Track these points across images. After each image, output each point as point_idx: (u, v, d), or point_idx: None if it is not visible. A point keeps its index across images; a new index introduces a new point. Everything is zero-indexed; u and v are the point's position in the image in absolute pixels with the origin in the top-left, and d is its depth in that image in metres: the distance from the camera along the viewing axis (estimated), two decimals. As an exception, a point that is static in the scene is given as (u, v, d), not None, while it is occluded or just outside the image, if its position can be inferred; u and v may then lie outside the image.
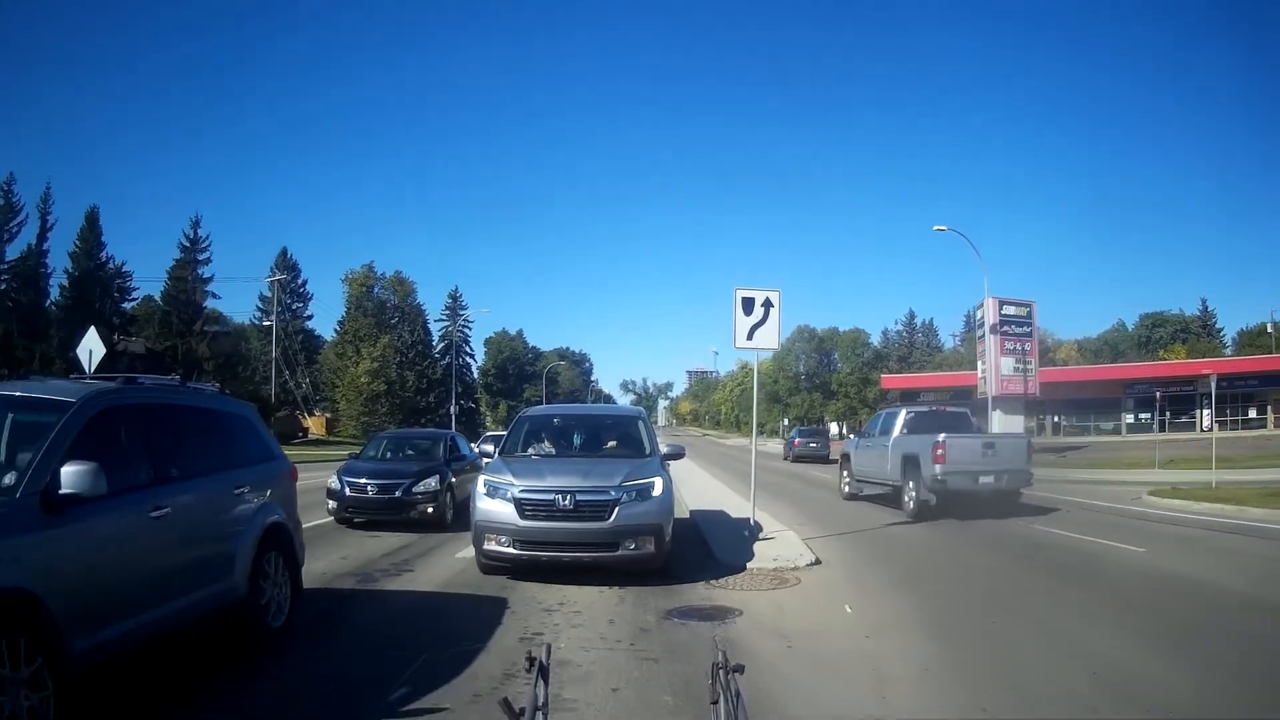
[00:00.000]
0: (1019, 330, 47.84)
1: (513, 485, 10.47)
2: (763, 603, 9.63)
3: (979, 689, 6.50)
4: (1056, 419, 64.67)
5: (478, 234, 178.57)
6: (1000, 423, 45.27)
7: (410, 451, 18.27)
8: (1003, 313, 47.51)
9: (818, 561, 12.33)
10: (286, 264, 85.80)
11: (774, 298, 14.49)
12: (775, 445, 67.49)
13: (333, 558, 11.84)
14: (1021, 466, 19.03)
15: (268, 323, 75.11)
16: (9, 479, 5.11)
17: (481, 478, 11.07)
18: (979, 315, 49.01)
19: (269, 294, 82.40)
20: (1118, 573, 12.13)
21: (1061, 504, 21.89)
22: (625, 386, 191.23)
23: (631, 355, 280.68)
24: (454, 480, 16.40)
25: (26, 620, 4.66)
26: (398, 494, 15.36)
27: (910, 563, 13.29)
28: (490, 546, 10.41)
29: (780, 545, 13.61)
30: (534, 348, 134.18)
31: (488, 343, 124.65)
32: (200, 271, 77.05)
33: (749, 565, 12.05)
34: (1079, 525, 17.10)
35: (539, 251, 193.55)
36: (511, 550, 10.31)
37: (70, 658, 4.92)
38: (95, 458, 5.24)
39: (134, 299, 78.10)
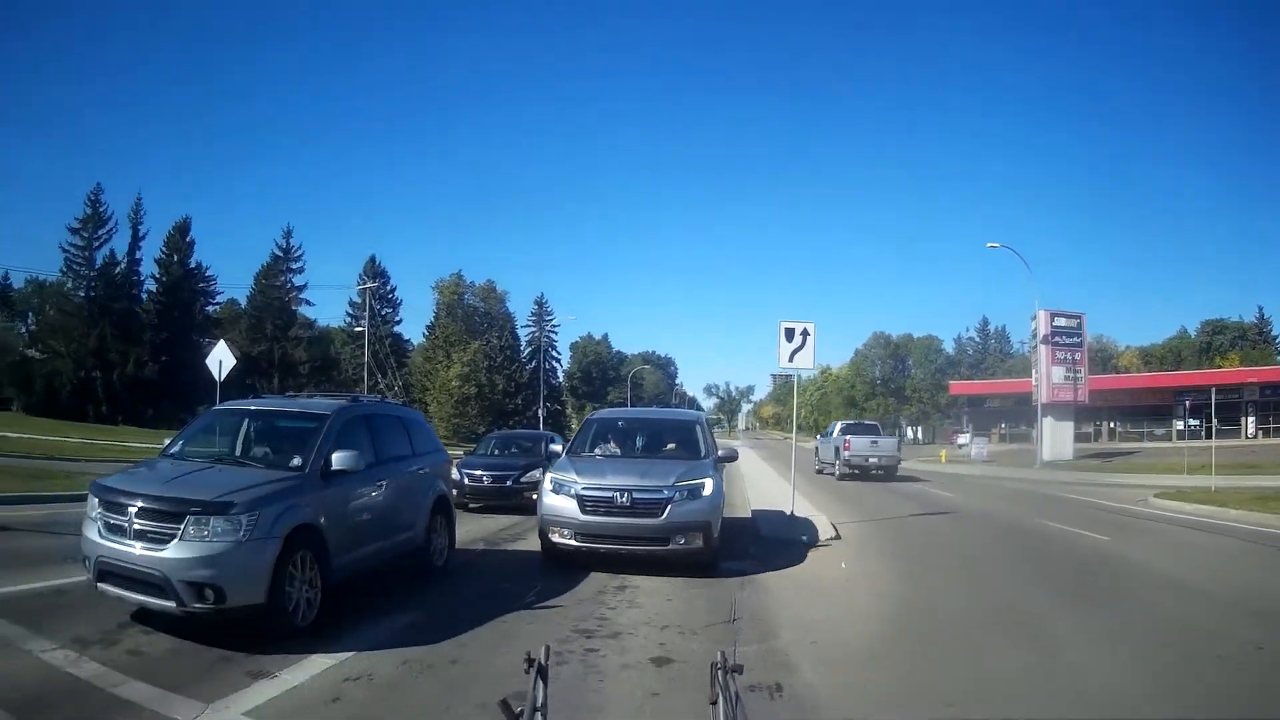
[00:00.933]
0: (1069, 341, 49.46)
1: (576, 483, 11.06)
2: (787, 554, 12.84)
3: (906, 607, 9.67)
4: (1113, 425, 65.33)
5: (563, 240, 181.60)
6: (1051, 428, 47.17)
7: (515, 450, 21.19)
8: (1054, 324, 49.22)
9: (837, 537, 15.26)
10: (375, 271, 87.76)
11: (810, 328, 17.12)
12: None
13: (461, 531, 14.56)
14: (894, 454, 34.43)
15: (359, 328, 75.74)
16: (297, 461, 8.26)
17: (549, 475, 11.70)
18: (1034, 326, 50.86)
19: (358, 300, 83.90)
20: (1072, 552, 14.70)
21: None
22: (709, 390, 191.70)
23: (717, 359, 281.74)
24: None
25: (312, 543, 7.79)
26: (508, 483, 18.41)
27: (912, 541, 15.93)
28: (554, 538, 11.11)
29: (812, 525, 16.40)
30: (618, 352, 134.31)
31: (573, 347, 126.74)
32: (292, 280, 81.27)
33: (783, 537, 14.97)
34: (1070, 519, 19.40)
35: (625, 257, 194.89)
36: (573, 542, 10.98)
37: (332, 570, 8.06)
38: (348, 448, 8.40)
39: (216, 303, 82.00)
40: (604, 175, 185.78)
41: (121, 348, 67.57)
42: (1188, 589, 11.14)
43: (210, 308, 79.58)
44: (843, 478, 32.90)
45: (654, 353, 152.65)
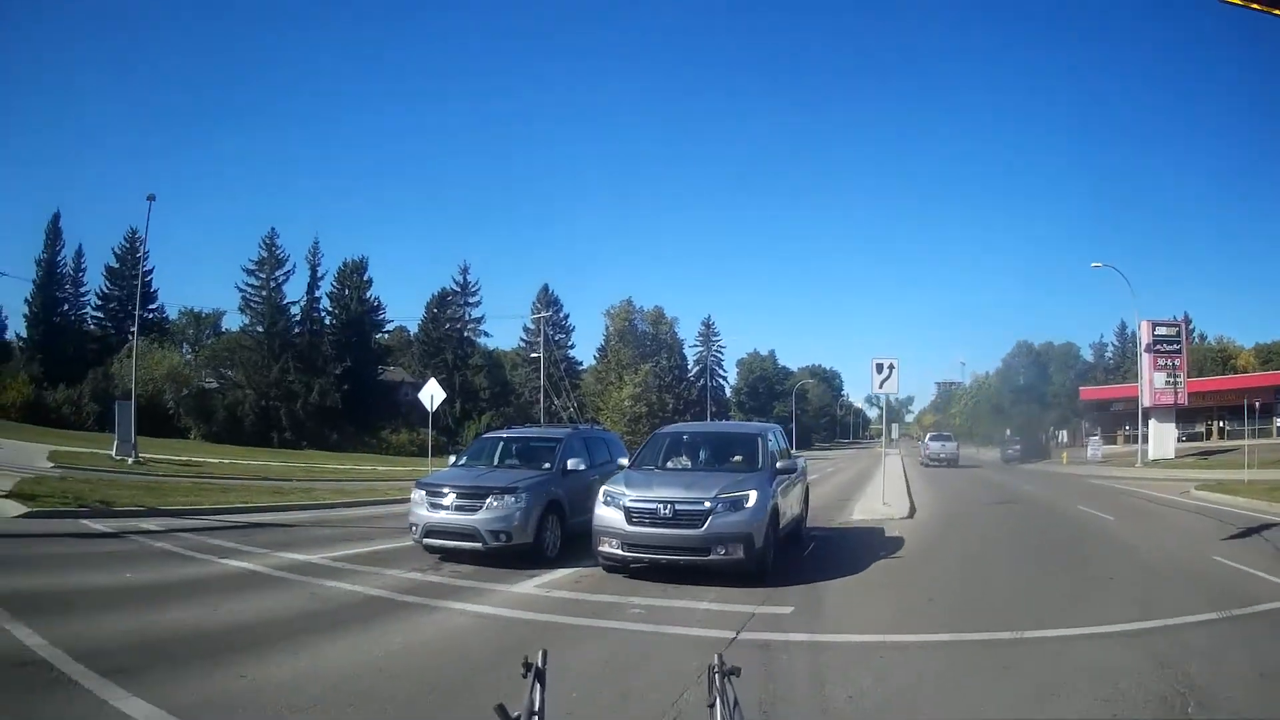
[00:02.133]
0: (1170, 348, 50.28)
1: (624, 495, 11.03)
2: (860, 526, 17.31)
3: (920, 546, 14.14)
4: (1221, 424, 65.10)
5: (731, 257, 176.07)
6: (1155, 430, 48.93)
7: None
8: (1155, 333, 50.36)
9: (910, 515, 19.43)
10: (548, 299, 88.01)
11: (894, 362, 21.04)
12: (992, 453, 74.80)
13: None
14: (954, 452, 54.62)
15: (534, 354, 75.04)
16: (547, 465, 13.09)
17: (602, 488, 11.70)
18: (1138, 335, 52.39)
19: (531, 325, 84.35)
20: (1074, 524, 18.57)
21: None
22: (870, 401, 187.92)
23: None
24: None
25: (558, 510, 12.60)
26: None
27: (968, 519, 19.86)
28: (604, 548, 11.03)
29: (894, 507, 20.59)
30: (784, 367, 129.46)
31: (740, 364, 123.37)
32: (469, 312, 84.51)
33: (862, 516, 19.21)
34: (1099, 505, 22.72)
35: (791, 274, 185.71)
36: (620, 551, 10.87)
37: (567, 526, 12.94)
38: (576, 456, 13.41)
39: (386, 331, 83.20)
40: (767, 196, 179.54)
41: (305, 378, 69.55)
42: (1121, 547, 14.82)
43: (379, 335, 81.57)
44: (926, 465, 52.25)
45: (820, 366, 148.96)
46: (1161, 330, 51.05)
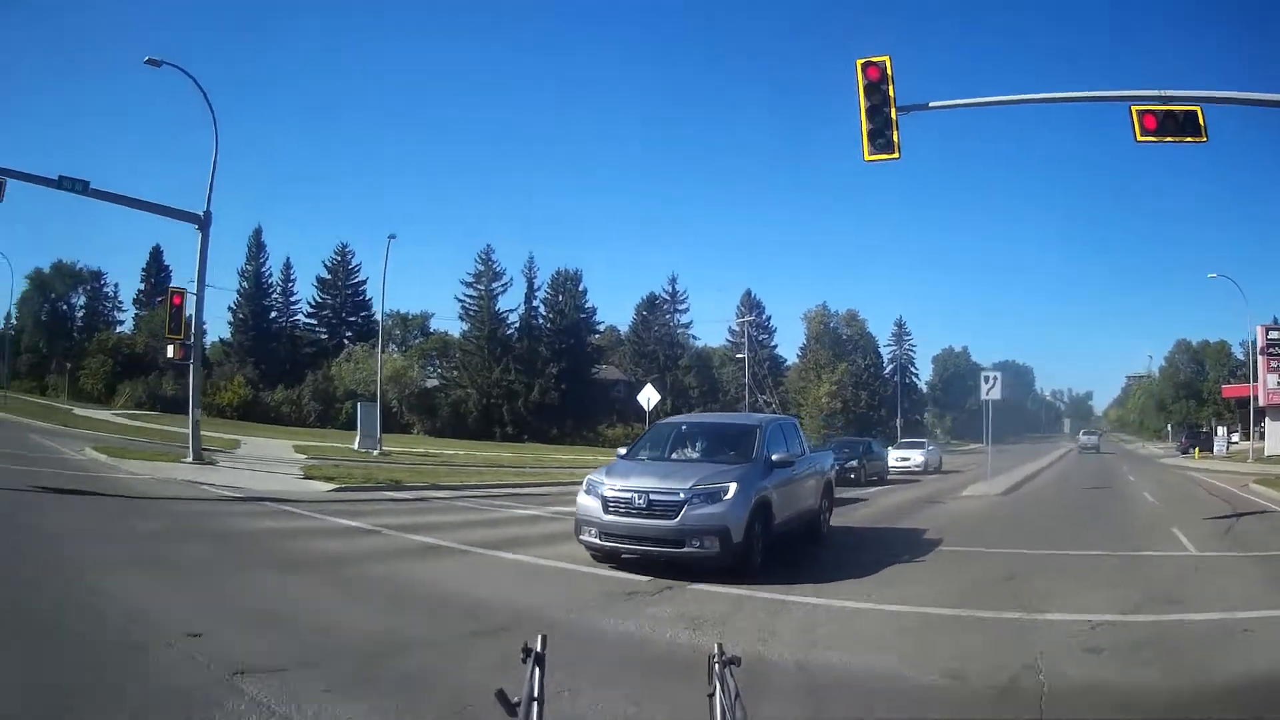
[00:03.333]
0: (1280, 351, 50.65)
1: (603, 484, 10.37)
2: (953, 501, 22.21)
3: (991, 518, 18.98)
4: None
5: (925, 259, 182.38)
6: (1270, 427, 51.09)
7: (846, 450, 29.31)
8: (1269, 338, 51.45)
9: (1005, 494, 24.00)
10: (751, 303, 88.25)
11: (997, 375, 26.60)
12: (1155, 448, 76.68)
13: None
14: (1097, 443, 77.18)
15: (739, 355, 75.69)
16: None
17: (587, 477, 11.06)
18: (1255, 339, 53.48)
19: (736, 328, 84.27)
20: (1122, 500, 22.63)
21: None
22: (1054, 395, 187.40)
23: (1076, 361, 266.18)
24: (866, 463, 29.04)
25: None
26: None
27: (1046, 497, 24.06)
28: (584, 537, 10.40)
29: (998, 486, 25.43)
30: (975, 363, 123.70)
31: (934, 360, 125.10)
32: (679, 318, 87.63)
33: (969, 493, 24.13)
34: (1157, 490, 26.05)
35: (986, 274, 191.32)
36: (597, 541, 10.22)
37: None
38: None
39: (598, 331, 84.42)
40: (956, 202, 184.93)
41: (525, 379, 71.43)
42: (1123, 517, 17.93)
43: (592, 336, 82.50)
44: (1080, 452, 68.16)
45: (1012, 361, 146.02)
46: (1275, 334, 52.16)
